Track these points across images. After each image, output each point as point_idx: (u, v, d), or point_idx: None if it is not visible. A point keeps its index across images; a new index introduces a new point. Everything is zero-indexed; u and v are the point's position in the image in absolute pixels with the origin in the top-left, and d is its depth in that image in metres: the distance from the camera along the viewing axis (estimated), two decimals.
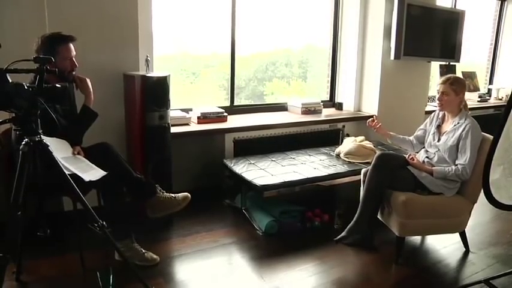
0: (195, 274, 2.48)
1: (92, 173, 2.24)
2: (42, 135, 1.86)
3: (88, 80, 2.48)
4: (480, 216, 3.38)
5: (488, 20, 5.88)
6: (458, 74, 4.90)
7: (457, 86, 2.71)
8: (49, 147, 1.87)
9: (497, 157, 1.69)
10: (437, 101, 2.78)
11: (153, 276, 2.37)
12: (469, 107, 2.83)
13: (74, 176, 2.08)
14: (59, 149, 2.18)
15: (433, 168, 2.71)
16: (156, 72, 3.06)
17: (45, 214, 2.00)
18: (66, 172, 2.08)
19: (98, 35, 2.87)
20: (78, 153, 2.35)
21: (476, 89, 5.57)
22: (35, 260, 2.47)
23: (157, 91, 2.83)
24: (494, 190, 1.73)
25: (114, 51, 2.95)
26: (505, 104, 1.94)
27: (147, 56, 2.96)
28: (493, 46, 5.95)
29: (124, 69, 2.95)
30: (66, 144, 2.33)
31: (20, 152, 1.80)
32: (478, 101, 5.44)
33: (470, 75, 5.50)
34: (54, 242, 2.57)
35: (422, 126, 3.02)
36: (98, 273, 2.22)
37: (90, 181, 2.15)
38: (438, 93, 2.77)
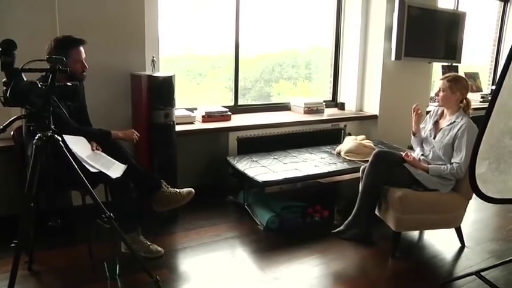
0: (198, 266, 2.57)
1: (114, 168, 2.36)
2: (64, 136, 1.96)
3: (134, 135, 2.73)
4: (480, 212, 3.45)
5: (491, 21, 5.91)
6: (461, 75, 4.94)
7: (453, 84, 2.77)
8: (60, 142, 1.96)
9: (483, 151, 1.76)
10: (436, 97, 2.84)
11: (158, 267, 2.46)
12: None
13: (89, 172, 2.18)
14: (79, 148, 2.28)
15: (429, 166, 2.78)
16: (161, 72, 3.16)
17: (56, 207, 2.10)
18: (93, 170, 2.19)
19: (106, 37, 2.97)
20: (97, 149, 2.46)
21: (479, 89, 5.60)
22: (46, 250, 2.58)
23: (162, 90, 2.93)
24: (481, 184, 1.80)
25: (121, 52, 3.06)
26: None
27: (153, 57, 3.05)
28: (496, 47, 5.98)
29: (131, 70, 3.05)
30: (84, 140, 2.42)
31: (34, 146, 1.90)
32: (480, 101, 5.47)
33: (472, 76, 5.53)
34: (64, 235, 2.69)
35: (422, 125, 3.04)
36: (105, 264, 2.31)
37: (101, 175, 2.25)
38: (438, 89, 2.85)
